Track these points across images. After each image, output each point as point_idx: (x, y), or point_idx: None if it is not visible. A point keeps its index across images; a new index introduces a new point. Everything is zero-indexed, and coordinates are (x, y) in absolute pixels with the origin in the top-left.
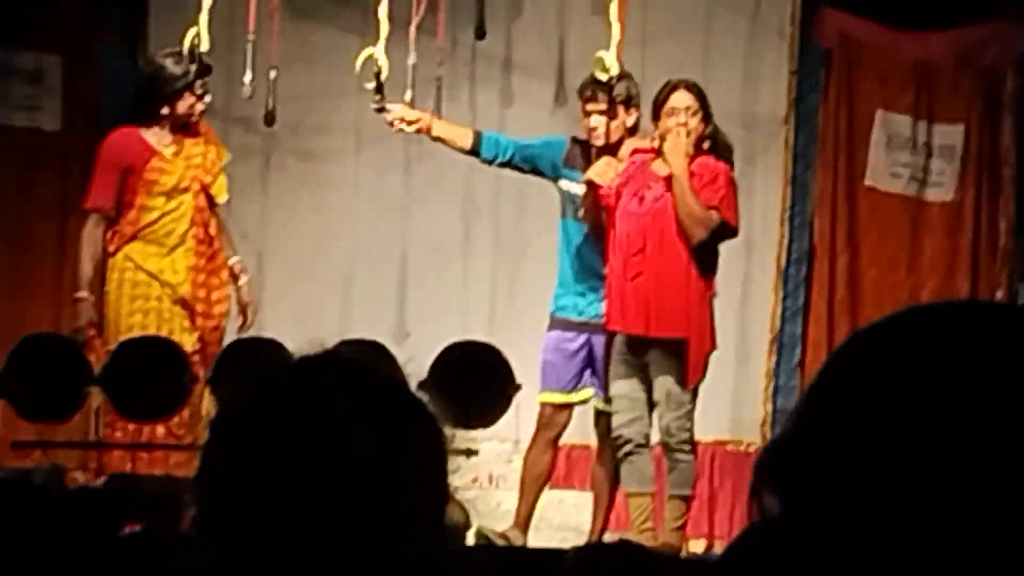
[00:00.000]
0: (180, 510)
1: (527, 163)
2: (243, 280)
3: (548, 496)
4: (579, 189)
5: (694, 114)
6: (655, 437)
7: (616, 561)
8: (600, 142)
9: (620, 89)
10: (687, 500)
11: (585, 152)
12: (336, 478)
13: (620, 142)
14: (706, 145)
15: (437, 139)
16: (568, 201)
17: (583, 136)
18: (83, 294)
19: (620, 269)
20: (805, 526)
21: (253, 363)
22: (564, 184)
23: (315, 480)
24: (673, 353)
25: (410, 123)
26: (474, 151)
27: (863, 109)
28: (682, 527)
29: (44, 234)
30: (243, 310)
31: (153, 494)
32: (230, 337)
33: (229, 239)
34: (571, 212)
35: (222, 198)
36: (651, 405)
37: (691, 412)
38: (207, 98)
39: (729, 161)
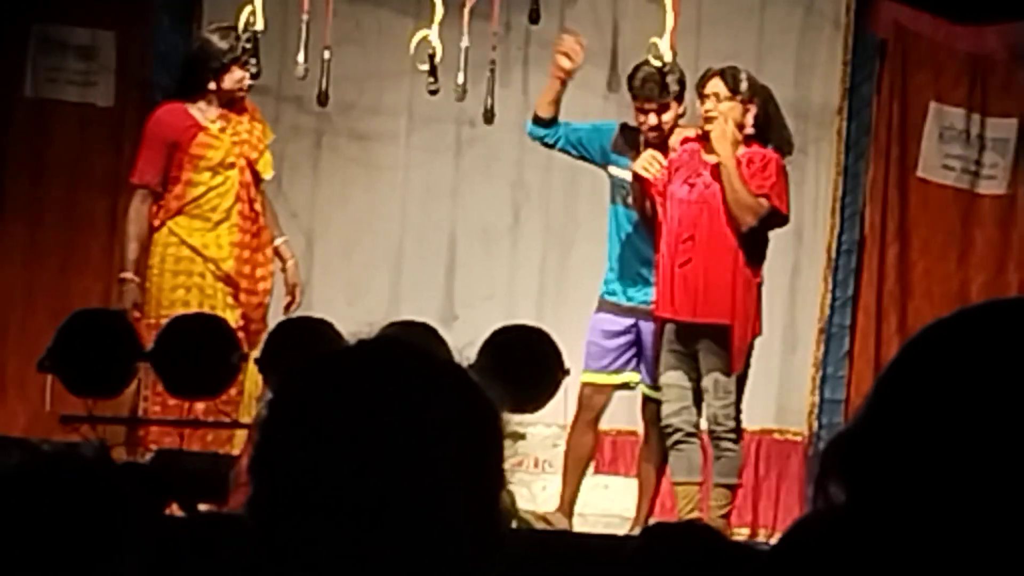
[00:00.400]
0: (225, 488)
1: (575, 148)
2: (290, 261)
3: (593, 481)
4: (627, 175)
5: (725, 100)
6: (703, 426)
7: (687, 541)
8: (653, 136)
9: (672, 84)
10: (733, 488)
11: (634, 139)
12: (394, 462)
13: (671, 133)
14: (749, 132)
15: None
16: (618, 187)
17: (634, 123)
18: (128, 275)
19: (669, 256)
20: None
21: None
22: (613, 170)
23: (373, 463)
24: (720, 342)
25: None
26: (537, 121)
27: (916, 101)
28: (727, 515)
29: (96, 210)
30: (291, 291)
31: (198, 471)
32: (275, 317)
33: (275, 218)
34: (620, 198)
35: (268, 175)
36: (699, 394)
37: (738, 401)
38: (254, 73)
39: (786, 151)
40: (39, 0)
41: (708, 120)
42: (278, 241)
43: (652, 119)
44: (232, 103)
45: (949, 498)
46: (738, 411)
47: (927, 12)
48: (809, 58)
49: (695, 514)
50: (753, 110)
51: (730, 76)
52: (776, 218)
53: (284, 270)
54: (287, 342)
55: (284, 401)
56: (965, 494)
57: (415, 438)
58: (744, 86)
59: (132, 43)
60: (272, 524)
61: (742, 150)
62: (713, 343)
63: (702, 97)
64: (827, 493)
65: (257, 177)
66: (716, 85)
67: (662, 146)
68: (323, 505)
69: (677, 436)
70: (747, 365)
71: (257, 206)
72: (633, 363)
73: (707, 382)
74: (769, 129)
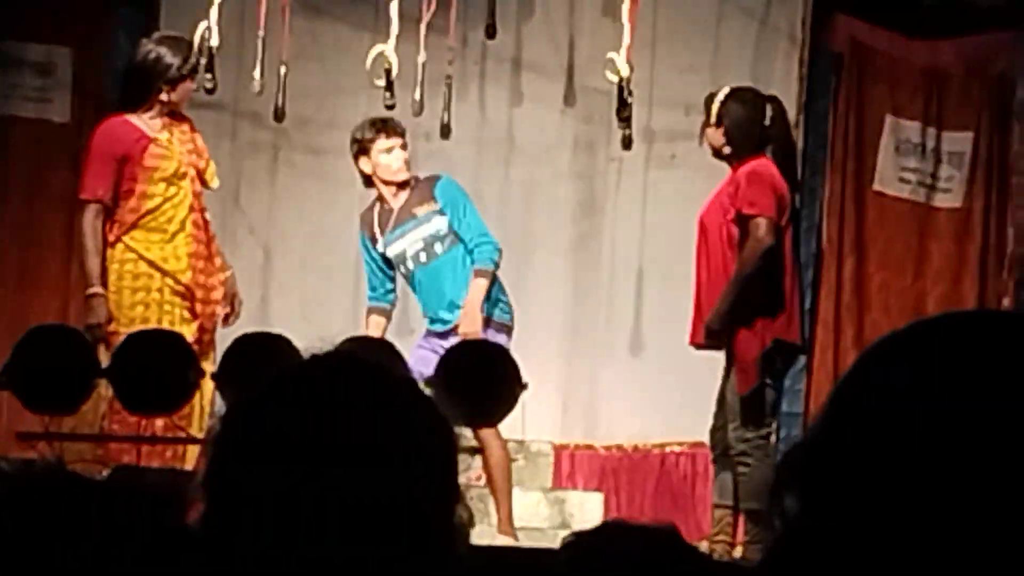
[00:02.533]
0: (184, 504)
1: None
2: (229, 271)
3: (551, 496)
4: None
5: (705, 127)
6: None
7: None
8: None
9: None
10: (734, 511)
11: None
12: (347, 477)
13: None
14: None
15: None
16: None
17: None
18: (97, 290)
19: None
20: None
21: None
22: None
23: (326, 479)
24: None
25: None
26: None
27: (873, 114)
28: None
29: (52, 226)
30: (231, 301)
31: (157, 487)
32: (234, 331)
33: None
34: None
35: (214, 184)
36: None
37: (752, 425)
38: (209, 88)
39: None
40: None
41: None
42: (229, 271)
43: None
44: (173, 113)
45: (902, 510)
46: (751, 434)
47: (883, 27)
48: (765, 72)
49: (723, 538)
50: (724, 132)
51: (706, 102)
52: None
53: (223, 282)
54: (244, 357)
55: (237, 417)
56: (919, 506)
57: (368, 453)
58: (714, 110)
59: (88, 59)
60: (225, 539)
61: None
62: (725, 364)
63: None
64: (782, 505)
65: (204, 186)
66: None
67: None
68: (276, 520)
69: (711, 456)
70: (757, 381)
71: (207, 215)
72: None
73: (723, 403)
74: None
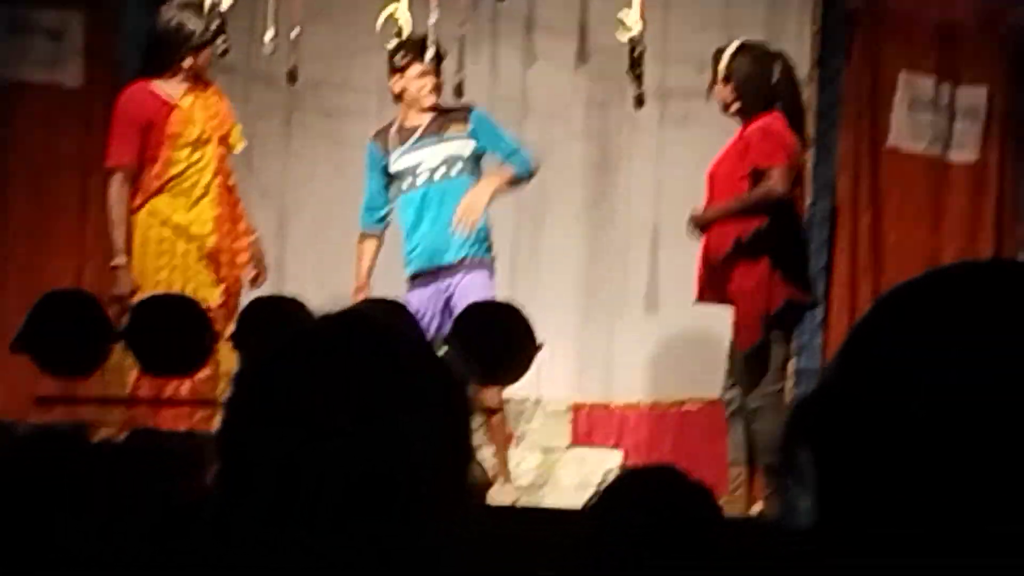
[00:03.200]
0: (202, 467)
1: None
2: (254, 235)
3: (569, 454)
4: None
5: (713, 84)
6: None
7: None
8: None
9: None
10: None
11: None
12: (360, 436)
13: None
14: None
15: None
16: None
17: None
18: (121, 260)
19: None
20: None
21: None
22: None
23: (336, 440)
24: (729, 316)
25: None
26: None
27: (887, 70)
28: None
29: (65, 191)
30: (257, 264)
31: (175, 450)
32: (245, 292)
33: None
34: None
35: (239, 148)
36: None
37: (757, 378)
38: (222, 51)
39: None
40: None
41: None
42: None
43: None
44: (197, 78)
45: (915, 462)
46: (758, 388)
47: None
48: (778, 29)
49: (739, 493)
50: (733, 88)
51: (715, 59)
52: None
53: (249, 245)
54: (259, 320)
55: (249, 378)
56: (932, 458)
57: (380, 413)
58: (721, 66)
59: (100, 23)
60: (239, 500)
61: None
62: (729, 321)
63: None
64: (794, 459)
65: (228, 150)
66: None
67: None
68: (289, 481)
69: (726, 413)
70: (759, 338)
71: (231, 180)
72: None
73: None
74: (770, 102)
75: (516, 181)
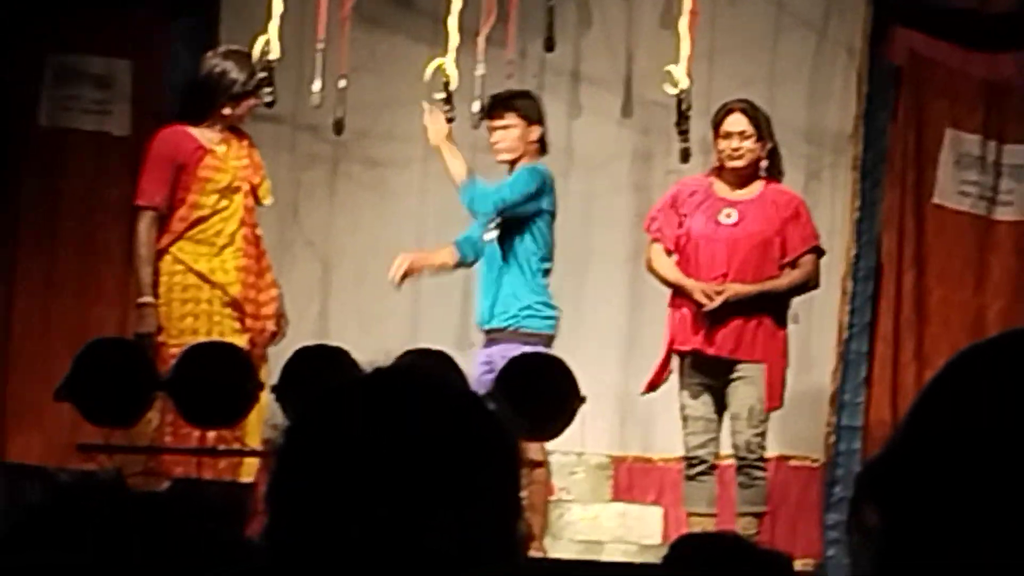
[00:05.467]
0: (242, 517)
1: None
2: (276, 290)
3: (610, 509)
4: None
5: (747, 137)
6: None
7: (718, 549)
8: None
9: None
10: (760, 516)
11: None
12: (411, 491)
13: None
14: (764, 164)
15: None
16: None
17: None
18: (148, 299)
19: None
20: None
21: (323, 372)
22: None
23: (389, 492)
24: (755, 374)
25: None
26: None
27: (932, 127)
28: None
29: (112, 239)
30: (276, 321)
31: (216, 500)
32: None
33: None
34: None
35: (268, 200)
36: (720, 424)
37: (766, 430)
38: (269, 102)
39: (780, 179)
40: (55, 29)
41: (735, 158)
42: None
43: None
44: (233, 127)
45: (984, 525)
46: (765, 439)
47: (942, 39)
48: (824, 85)
49: None
50: (769, 146)
51: (752, 114)
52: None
53: (273, 299)
54: (304, 370)
55: (301, 429)
56: (1002, 521)
57: (432, 467)
58: (764, 123)
59: (148, 72)
60: (289, 551)
61: (760, 186)
62: (748, 375)
63: (717, 132)
64: (862, 518)
65: (256, 203)
66: (740, 122)
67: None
68: (340, 533)
69: (701, 468)
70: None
71: (258, 231)
72: None
73: (740, 410)
74: (779, 161)
75: (455, 266)
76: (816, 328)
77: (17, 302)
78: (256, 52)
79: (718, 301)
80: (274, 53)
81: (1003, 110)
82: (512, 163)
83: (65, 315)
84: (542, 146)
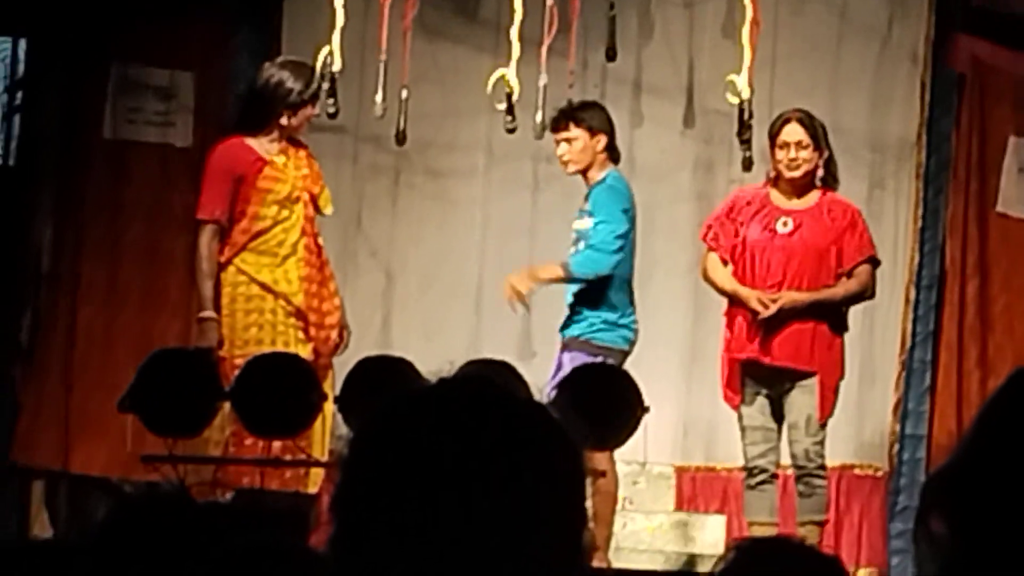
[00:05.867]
0: (306, 527)
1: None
2: (337, 300)
3: (674, 519)
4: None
5: (804, 147)
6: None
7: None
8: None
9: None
10: (821, 525)
11: None
12: (477, 501)
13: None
14: (820, 174)
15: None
16: None
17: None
18: (208, 313)
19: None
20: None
21: (386, 382)
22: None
23: (456, 503)
24: (811, 381)
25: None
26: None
27: (996, 135)
28: None
29: (175, 250)
30: (339, 332)
31: (280, 511)
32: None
33: None
34: None
35: (328, 210)
36: (780, 436)
37: (825, 437)
38: (331, 113)
39: (836, 188)
40: (118, 41)
41: (792, 168)
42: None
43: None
44: (292, 138)
45: None
46: (824, 448)
47: (1005, 46)
48: (886, 92)
49: None
50: (825, 156)
51: (809, 124)
52: (876, 265)
53: (336, 307)
54: (367, 381)
55: (366, 440)
56: None
57: (498, 477)
58: (820, 133)
59: (210, 83)
60: (356, 562)
61: (817, 195)
62: (805, 384)
63: (775, 142)
64: (929, 528)
65: (317, 212)
66: (797, 132)
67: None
68: (406, 544)
69: (762, 477)
70: (835, 406)
71: (320, 240)
72: None
73: (798, 419)
74: (835, 170)
75: (571, 280)
76: (879, 338)
77: (81, 312)
78: (319, 63)
79: (773, 309)
80: (336, 64)
81: None
82: (583, 172)
83: (128, 326)
84: (611, 154)
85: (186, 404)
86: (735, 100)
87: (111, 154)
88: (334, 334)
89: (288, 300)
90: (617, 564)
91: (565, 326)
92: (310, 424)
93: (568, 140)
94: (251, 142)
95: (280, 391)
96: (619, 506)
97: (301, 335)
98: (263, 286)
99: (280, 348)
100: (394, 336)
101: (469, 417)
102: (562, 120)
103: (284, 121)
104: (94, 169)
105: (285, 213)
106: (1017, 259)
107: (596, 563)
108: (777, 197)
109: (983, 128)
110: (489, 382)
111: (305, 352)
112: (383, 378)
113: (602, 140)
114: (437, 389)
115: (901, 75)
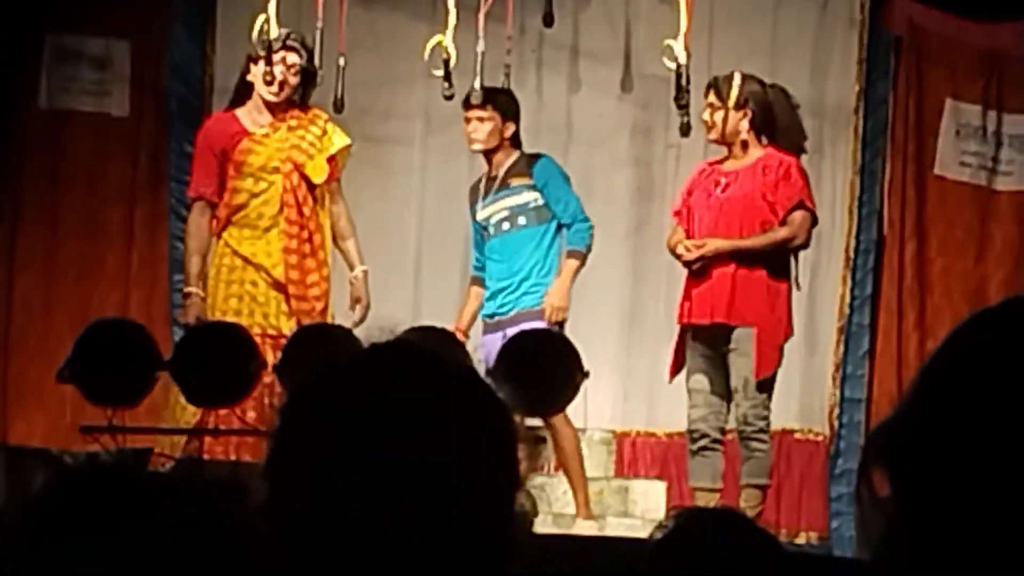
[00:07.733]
0: (245, 496)
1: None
2: (352, 274)
3: (613, 484)
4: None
5: (718, 110)
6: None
7: (719, 527)
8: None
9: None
10: (763, 489)
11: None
12: (406, 467)
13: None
14: (744, 138)
15: None
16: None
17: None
18: (191, 289)
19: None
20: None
21: (321, 350)
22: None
23: (385, 469)
24: (749, 344)
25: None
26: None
27: (932, 98)
28: (758, 516)
29: (112, 219)
30: (353, 305)
31: (218, 479)
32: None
33: (350, 226)
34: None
35: (318, 179)
36: (727, 399)
37: (767, 400)
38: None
39: (799, 152)
40: (53, 10)
41: (708, 129)
42: (357, 270)
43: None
44: (290, 108)
45: (995, 488)
46: (767, 411)
47: (941, 9)
48: (824, 57)
49: None
50: (748, 116)
51: (717, 85)
52: (813, 221)
53: (351, 284)
54: (305, 349)
55: (296, 408)
56: (1012, 483)
57: (427, 443)
58: (734, 93)
59: (146, 52)
60: (284, 531)
61: (758, 153)
62: (742, 345)
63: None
64: (871, 483)
65: (310, 183)
66: (710, 95)
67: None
68: (335, 512)
69: (703, 442)
70: (777, 365)
71: (307, 210)
72: None
73: (736, 383)
74: (775, 131)
75: (583, 257)
76: (819, 302)
77: (18, 283)
78: (255, 32)
79: (696, 253)
80: (273, 32)
81: (1003, 80)
82: (487, 154)
83: (66, 296)
84: (515, 142)
85: (125, 374)
86: (672, 65)
87: (47, 124)
88: (319, 306)
89: (268, 272)
90: (555, 530)
91: (502, 303)
92: (248, 393)
93: (480, 120)
94: (240, 113)
95: (219, 360)
96: (559, 472)
97: (284, 307)
98: (244, 259)
99: (260, 320)
100: (332, 303)
101: (396, 384)
102: (479, 99)
103: (257, 86)
104: (30, 138)
105: (262, 185)
106: (954, 221)
107: (581, 520)
108: (727, 162)
109: (920, 91)
110: (416, 348)
111: (288, 324)
112: (321, 347)
113: (511, 128)
114: (365, 356)
115: (838, 39)
